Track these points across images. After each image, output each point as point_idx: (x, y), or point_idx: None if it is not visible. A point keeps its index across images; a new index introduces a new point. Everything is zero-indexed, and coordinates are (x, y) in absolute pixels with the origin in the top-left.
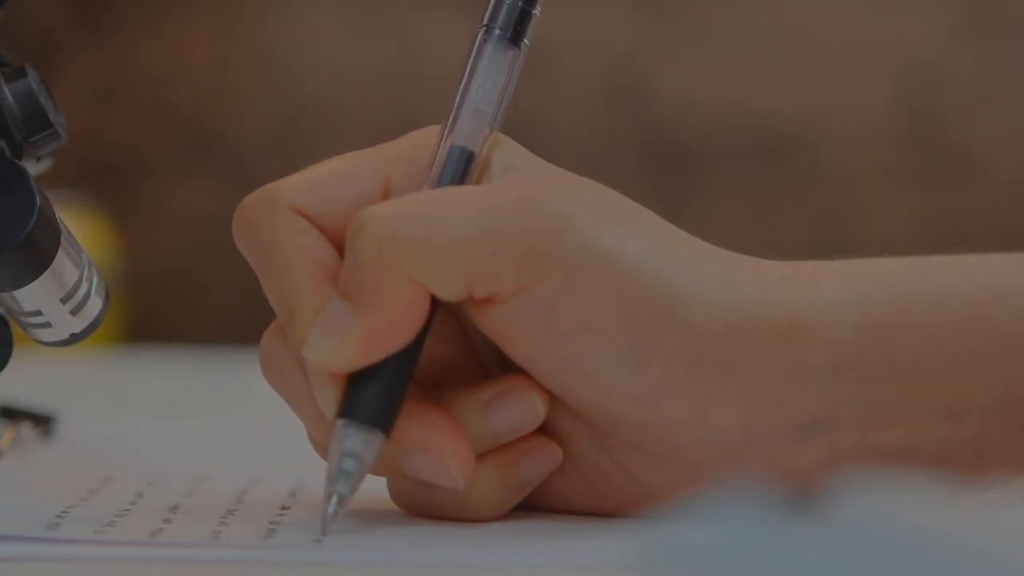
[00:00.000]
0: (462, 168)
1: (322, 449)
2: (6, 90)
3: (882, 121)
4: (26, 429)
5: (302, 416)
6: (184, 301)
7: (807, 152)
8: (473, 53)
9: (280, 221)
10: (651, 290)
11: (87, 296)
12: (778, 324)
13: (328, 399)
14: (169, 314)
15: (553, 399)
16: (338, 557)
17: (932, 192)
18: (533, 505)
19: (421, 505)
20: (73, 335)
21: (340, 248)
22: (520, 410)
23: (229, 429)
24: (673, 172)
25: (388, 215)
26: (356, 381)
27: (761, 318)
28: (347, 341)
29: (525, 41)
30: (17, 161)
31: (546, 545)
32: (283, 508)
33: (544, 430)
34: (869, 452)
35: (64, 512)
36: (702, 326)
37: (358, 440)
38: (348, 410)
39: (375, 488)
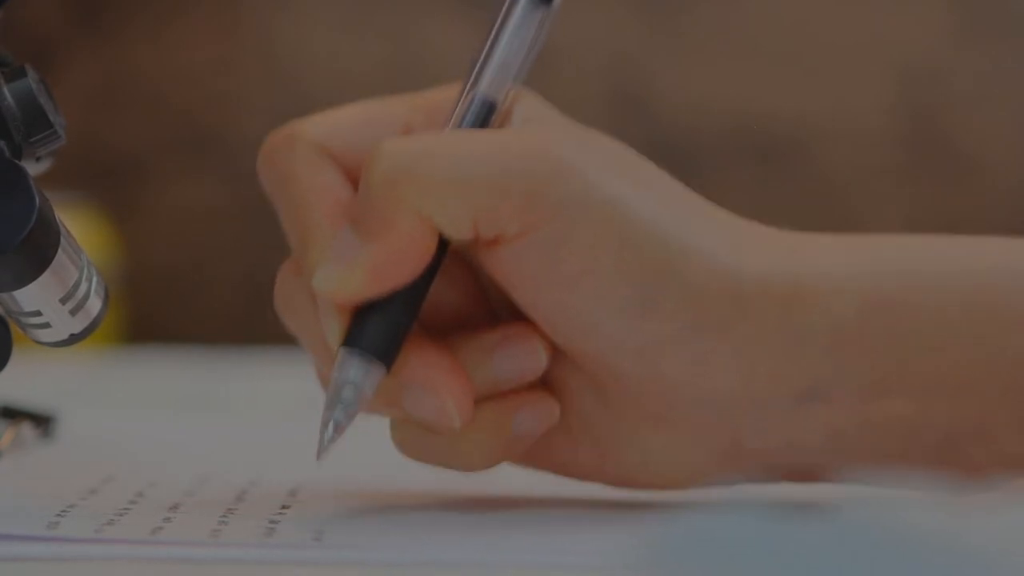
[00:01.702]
0: (483, 117)
1: (328, 383)
2: (6, 90)
3: (882, 123)
4: (26, 429)
5: (311, 349)
6: (184, 301)
7: (808, 154)
8: (503, 10)
9: (301, 156)
10: (651, 241)
11: (86, 296)
12: (781, 291)
13: (334, 329)
14: (169, 314)
15: (557, 355)
16: (338, 556)
17: (932, 193)
18: (538, 468)
19: (418, 450)
20: (73, 335)
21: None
22: (523, 356)
23: (229, 429)
24: (674, 174)
25: (400, 150)
26: (362, 313)
27: (764, 284)
28: (353, 270)
29: (556, 1)
30: (17, 161)
31: (547, 544)
32: (283, 507)
33: (547, 386)
34: (867, 427)
35: (64, 511)
36: (701, 284)
37: (359, 370)
38: (352, 339)
39: (375, 487)
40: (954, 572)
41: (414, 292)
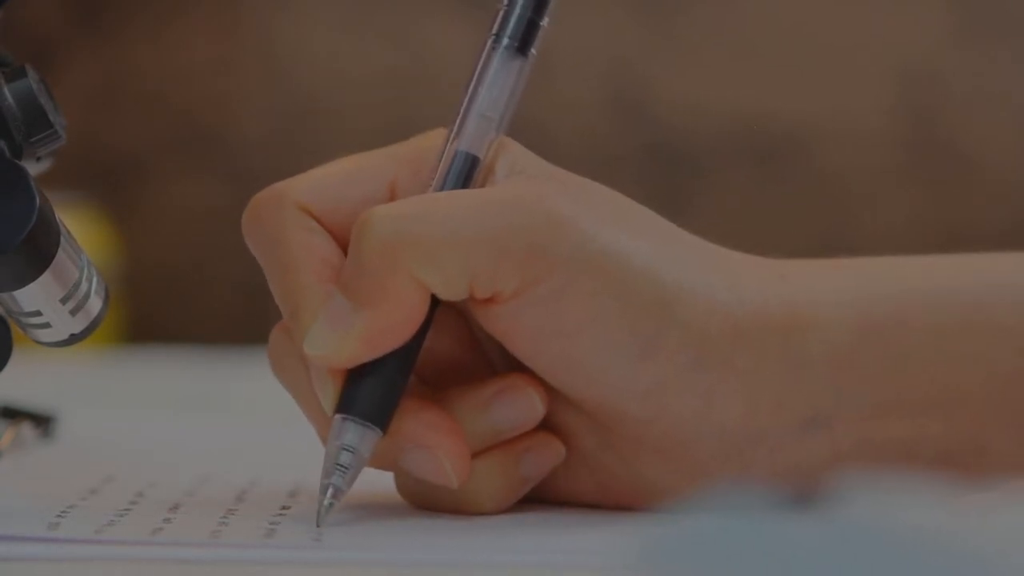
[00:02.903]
0: (466, 172)
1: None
2: (6, 90)
3: (882, 123)
4: (26, 429)
5: (306, 411)
6: (184, 301)
7: (807, 155)
8: (481, 62)
9: (287, 219)
10: (650, 287)
11: (87, 296)
12: (778, 321)
13: (328, 394)
14: (169, 314)
15: (557, 395)
16: (338, 556)
17: (932, 194)
18: (537, 498)
19: (425, 499)
20: (73, 335)
21: (345, 247)
22: (520, 407)
23: (229, 429)
24: (673, 176)
25: (393, 215)
26: (355, 377)
27: (761, 315)
28: (347, 337)
29: (532, 51)
30: (17, 161)
31: (547, 544)
32: (283, 508)
33: (548, 426)
34: (870, 448)
35: (64, 512)
36: (701, 323)
37: (355, 435)
38: (346, 405)
39: (375, 486)
40: (953, 572)
41: (407, 353)
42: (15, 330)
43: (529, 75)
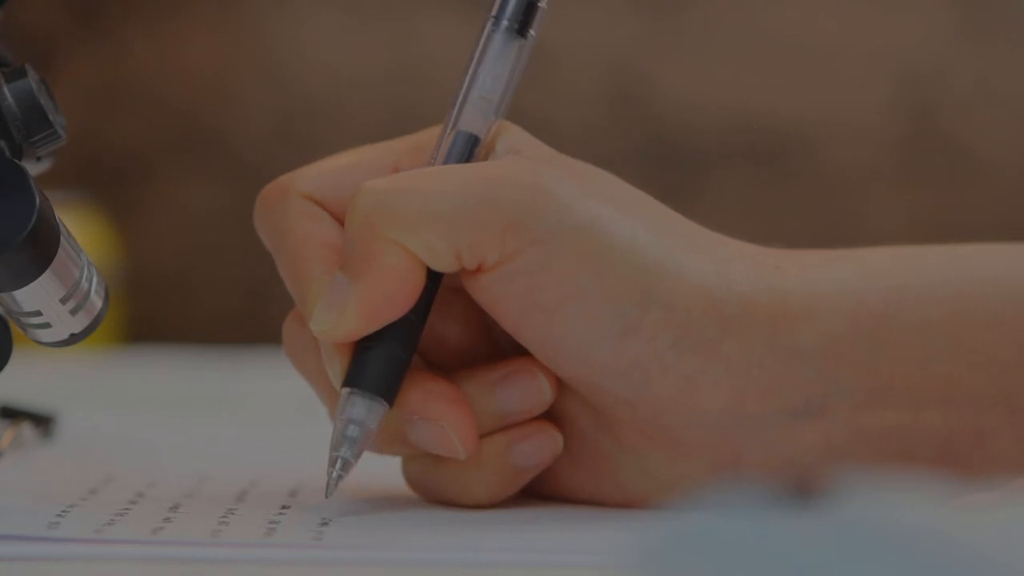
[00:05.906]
0: (467, 153)
1: None
2: (6, 90)
3: (882, 122)
4: (26, 429)
5: (320, 393)
6: (184, 301)
7: (807, 153)
8: (480, 44)
9: (293, 208)
10: (631, 267)
11: (87, 296)
12: (769, 309)
13: (336, 370)
14: (169, 314)
15: (560, 383)
16: (338, 556)
17: (932, 193)
18: (539, 492)
19: (425, 485)
20: (73, 335)
21: None
22: (527, 391)
23: (229, 429)
24: (674, 173)
25: (379, 188)
26: (360, 351)
27: (751, 303)
28: (345, 310)
29: (532, 32)
30: (17, 161)
31: (547, 544)
32: (283, 508)
33: (547, 413)
34: (863, 438)
35: (64, 512)
36: (684, 305)
37: (362, 408)
38: (352, 379)
39: (375, 487)
40: (953, 572)
41: (410, 325)
42: (15, 330)
43: (528, 57)
